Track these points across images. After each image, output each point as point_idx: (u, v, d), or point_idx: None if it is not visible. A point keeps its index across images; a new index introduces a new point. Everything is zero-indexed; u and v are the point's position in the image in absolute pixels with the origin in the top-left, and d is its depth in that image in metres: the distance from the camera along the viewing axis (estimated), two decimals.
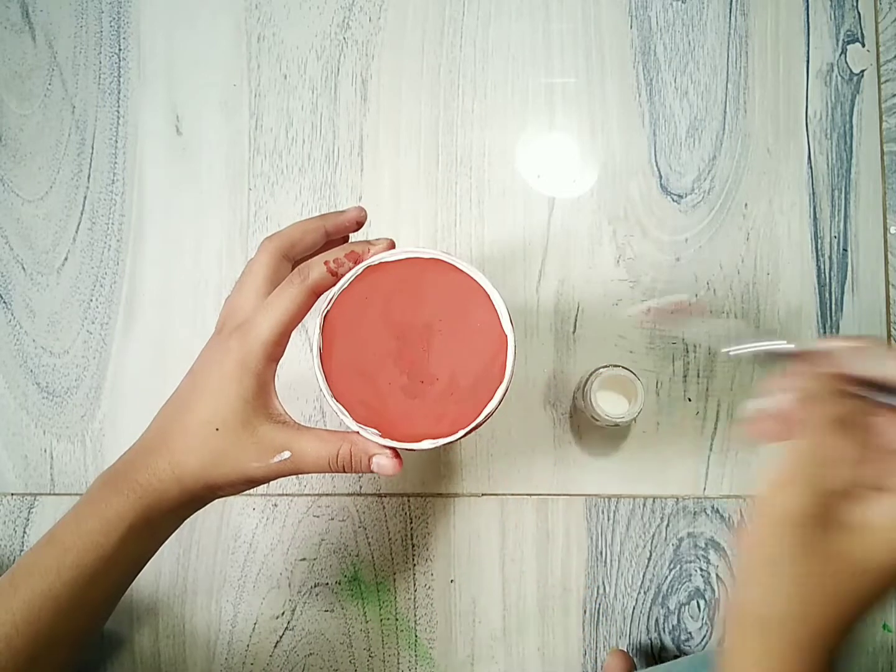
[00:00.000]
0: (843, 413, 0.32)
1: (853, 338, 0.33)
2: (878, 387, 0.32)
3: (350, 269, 0.41)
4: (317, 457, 0.40)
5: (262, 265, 0.42)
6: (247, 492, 0.49)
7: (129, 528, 0.38)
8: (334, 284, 0.41)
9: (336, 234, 0.45)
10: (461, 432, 0.39)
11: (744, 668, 0.33)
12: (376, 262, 0.41)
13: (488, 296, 0.41)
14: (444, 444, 0.39)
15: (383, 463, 0.40)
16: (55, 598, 0.37)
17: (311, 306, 0.41)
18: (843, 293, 0.60)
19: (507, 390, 0.40)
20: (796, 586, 0.32)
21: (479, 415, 0.39)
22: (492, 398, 0.39)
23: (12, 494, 0.59)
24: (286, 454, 0.40)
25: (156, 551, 0.41)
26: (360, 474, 0.58)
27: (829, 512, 0.31)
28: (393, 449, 0.40)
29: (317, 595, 0.58)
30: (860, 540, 0.31)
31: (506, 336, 0.40)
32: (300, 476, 0.58)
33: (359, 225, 0.45)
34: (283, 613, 0.58)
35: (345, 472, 0.41)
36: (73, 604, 0.38)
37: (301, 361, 0.59)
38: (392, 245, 0.42)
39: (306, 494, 0.59)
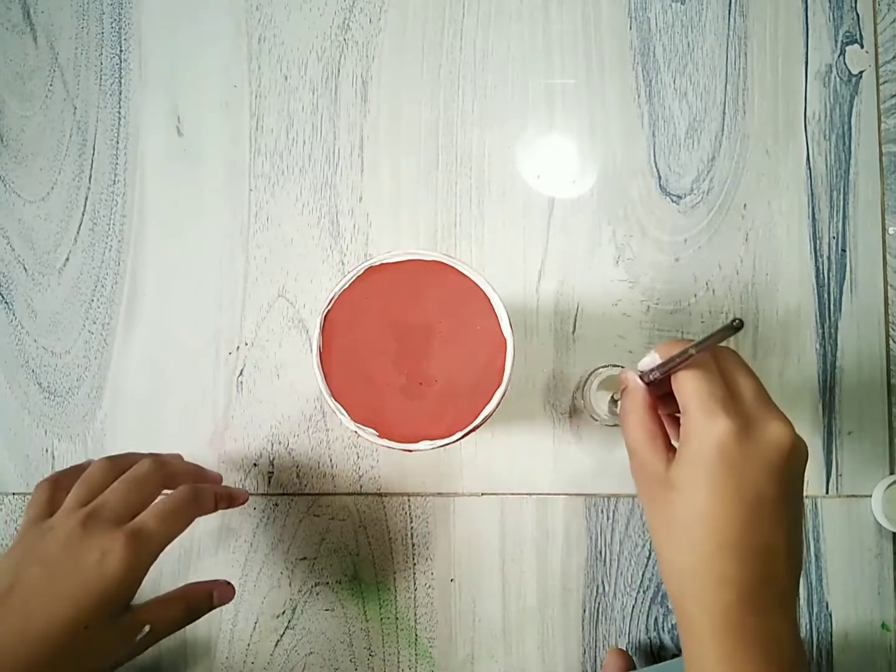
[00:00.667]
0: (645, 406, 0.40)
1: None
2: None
3: (224, 505, 0.49)
4: (169, 620, 0.43)
5: (149, 471, 0.45)
6: (247, 492, 0.50)
7: None
8: (210, 510, 0.47)
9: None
10: (459, 434, 0.39)
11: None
12: (377, 263, 0.41)
13: (488, 299, 0.41)
14: (442, 446, 0.40)
15: (223, 593, 0.48)
16: None
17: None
18: (841, 293, 0.60)
19: (505, 393, 0.40)
20: (655, 535, 0.39)
21: (477, 417, 0.40)
22: (490, 400, 0.40)
23: (13, 494, 0.59)
24: (147, 628, 0.41)
25: None
26: (352, 486, 0.58)
27: (652, 465, 0.38)
28: (225, 581, 0.48)
29: (317, 594, 0.58)
30: (673, 474, 0.37)
31: (505, 339, 0.40)
32: (300, 475, 0.59)
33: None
34: (283, 612, 0.58)
35: (199, 617, 0.45)
36: None
37: (301, 361, 0.59)
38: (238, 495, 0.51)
39: (307, 494, 0.59)
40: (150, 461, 0.46)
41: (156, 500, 0.44)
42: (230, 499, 0.50)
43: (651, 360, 0.40)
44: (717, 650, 0.34)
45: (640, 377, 0.41)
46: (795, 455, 0.37)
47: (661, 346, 0.40)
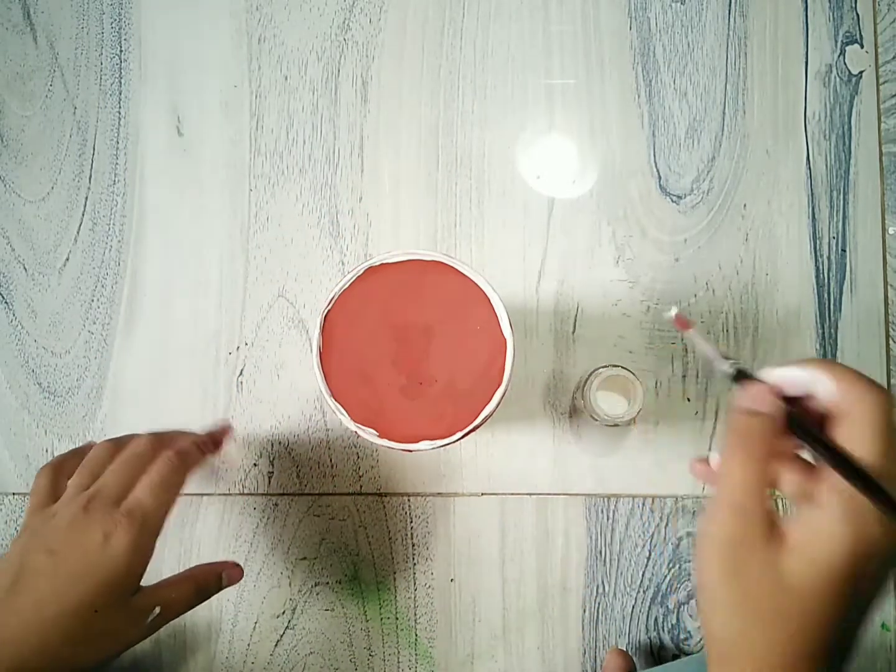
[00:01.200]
0: (769, 449, 0.32)
1: (799, 364, 0.33)
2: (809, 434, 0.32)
3: (211, 449, 0.48)
4: (181, 600, 0.43)
5: (145, 447, 0.45)
6: (246, 492, 0.50)
7: None
8: (201, 462, 0.46)
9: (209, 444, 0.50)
10: (459, 434, 0.39)
11: None
12: (377, 264, 0.41)
13: (488, 299, 0.41)
14: (442, 446, 0.40)
15: (232, 574, 0.47)
16: None
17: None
18: (841, 293, 0.60)
19: (505, 393, 0.40)
20: (731, 610, 0.31)
21: (477, 417, 0.40)
22: (490, 400, 0.39)
23: (14, 494, 0.59)
24: (157, 610, 0.41)
25: None
26: (352, 486, 0.58)
27: (756, 533, 0.31)
28: (233, 563, 0.47)
29: (317, 594, 0.58)
30: (785, 557, 0.30)
31: (505, 339, 0.40)
32: (300, 475, 0.59)
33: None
34: (283, 612, 0.58)
35: (208, 598, 0.45)
36: None
37: (301, 362, 0.59)
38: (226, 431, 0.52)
39: (307, 494, 0.59)
40: (147, 438, 0.45)
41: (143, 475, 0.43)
42: (213, 441, 0.49)
43: (815, 385, 0.31)
44: None
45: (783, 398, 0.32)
46: None
47: (846, 373, 0.31)
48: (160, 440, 0.45)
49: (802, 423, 0.31)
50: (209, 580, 0.46)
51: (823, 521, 0.30)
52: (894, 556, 0.29)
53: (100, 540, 0.39)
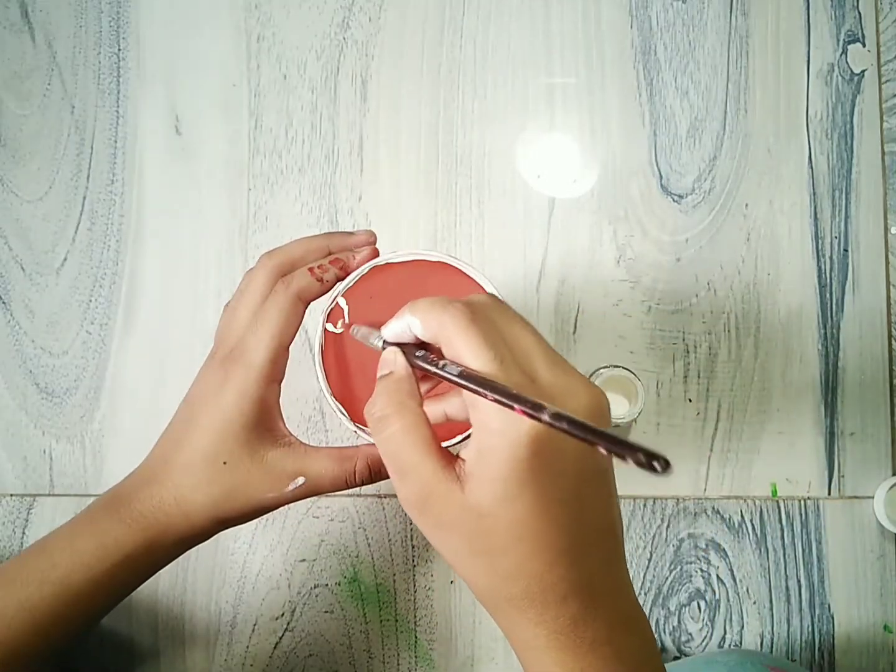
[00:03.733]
0: (416, 400, 0.32)
1: (396, 316, 0.34)
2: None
3: (335, 276, 0.40)
4: (333, 478, 0.39)
5: (258, 283, 0.40)
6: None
7: (125, 557, 0.37)
8: (321, 292, 0.40)
9: None
10: (459, 437, 0.39)
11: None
12: (382, 263, 0.41)
13: None
14: None
15: None
16: (31, 609, 0.36)
17: (302, 316, 0.40)
18: (843, 293, 0.60)
19: None
20: (458, 561, 0.32)
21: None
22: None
23: (11, 495, 0.59)
24: (301, 480, 0.39)
25: (148, 579, 0.40)
26: None
27: (436, 484, 0.30)
28: None
29: (316, 596, 0.58)
30: (470, 488, 0.30)
31: None
32: None
33: (365, 248, 0.43)
34: (282, 614, 0.58)
35: (363, 485, 0.40)
36: (49, 619, 0.37)
37: (301, 362, 0.59)
38: (374, 250, 0.41)
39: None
40: (261, 272, 0.40)
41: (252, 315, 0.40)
42: (340, 264, 0.41)
43: (409, 328, 0.33)
44: (569, 666, 0.31)
45: (406, 357, 0.33)
46: (602, 412, 0.31)
47: (421, 307, 0.32)
48: (279, 268, 0.40)
49: (421, 363, 0.32)
50: (377, 467, 0.40)
51: (486, 440, 0.29)
52: (558, 444, 0.29)
53: (215, 388, 0.38)
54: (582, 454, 0.30)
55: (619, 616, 0.32)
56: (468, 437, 0.39)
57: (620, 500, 0.58)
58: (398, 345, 0.34)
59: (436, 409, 0.36)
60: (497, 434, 0.29)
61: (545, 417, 0.26)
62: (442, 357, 0.31)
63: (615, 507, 0.33)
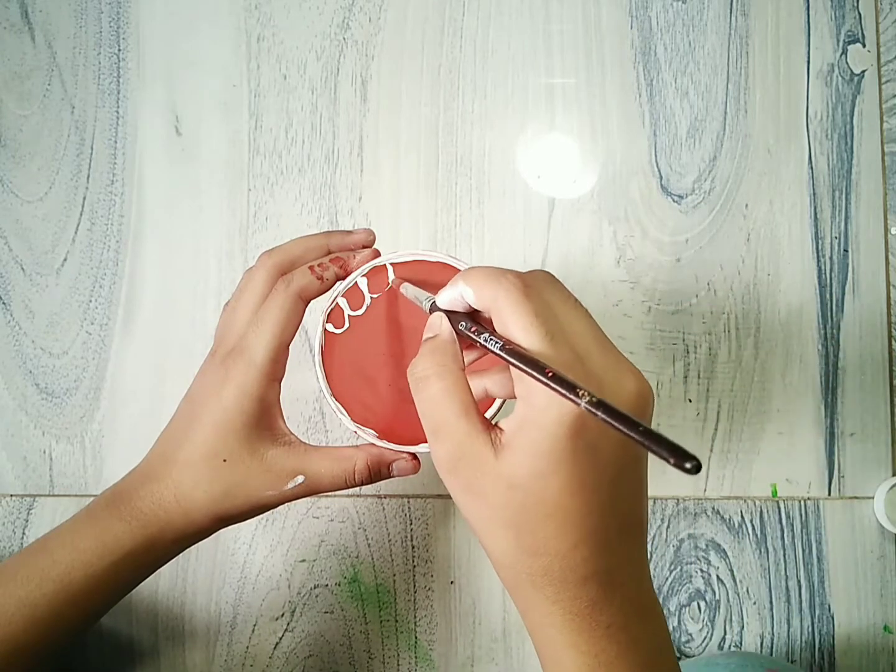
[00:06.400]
0: (458, 365, 0.32)
1: (450, 283, 0.33)
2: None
3: (335, 274, 0.40)
4: (333, 477, 0.39)
5: (258, 282, 0.40)
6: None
7: (126, 554, 0.38)
8: (321, 290, 0.40)
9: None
10: (496, 405, 0.39)
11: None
12: (382, 264, 0.40)
13: None
14: None
15: (403, 466, 0.40)
16: (31, 607, 0.37)
17: (302, 315, 0.40)
18: (843, 294, 0.60)
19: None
20: (484, 527, 0.31)
21: (485, 413, 0.39)
22: (491, 404, 0.39)
23: (11, 496, 0.59)
24: (300, 479, 0.39)
25: (147, 577, 0.40)
26: None
27: (472, 446, 0.30)
28: (412, 454, 0.40)
29: (316, 597, 0.58)
30: (506, 457, 0.30)
31: None
32: None
33: (365, 248, 0.43)
34: (282, 615, 0.58)
35: (363, 485, 0.40)
36: (49, 617, 0.37)
37: (301, 362, 0.59)
38: (375, 250, 0.42)
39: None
40: (261, 270, 0.40)
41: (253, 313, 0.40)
42: (340, 262, 0.41)
43: (461, 296, 0.32)
44: (583, 649, 0.31)
45: (452, 324, 0.33)
46: (647, 402, 0.31)
47: (475, 276, 0.32)
48: (278, 267, 0.41)
49: (466, 332, 0.32)
50: (379, 463, 0.40)
51: (529, 413, 0.29)
52: (601, 428, 0.28)
53: (216, 386, 0.38)
54: (622, 442, 0.30)
55: (637, 605, 0.32)
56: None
57: None
58: (446, 312, 0.34)
59: (477, 384, 0.35)
60: (540, 409, 0.28)
61: (583, 404, 0.26)
62: (492, 327, 0.31)
63: (644, 500, 0.32)
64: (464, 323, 0.33)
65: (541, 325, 0.29)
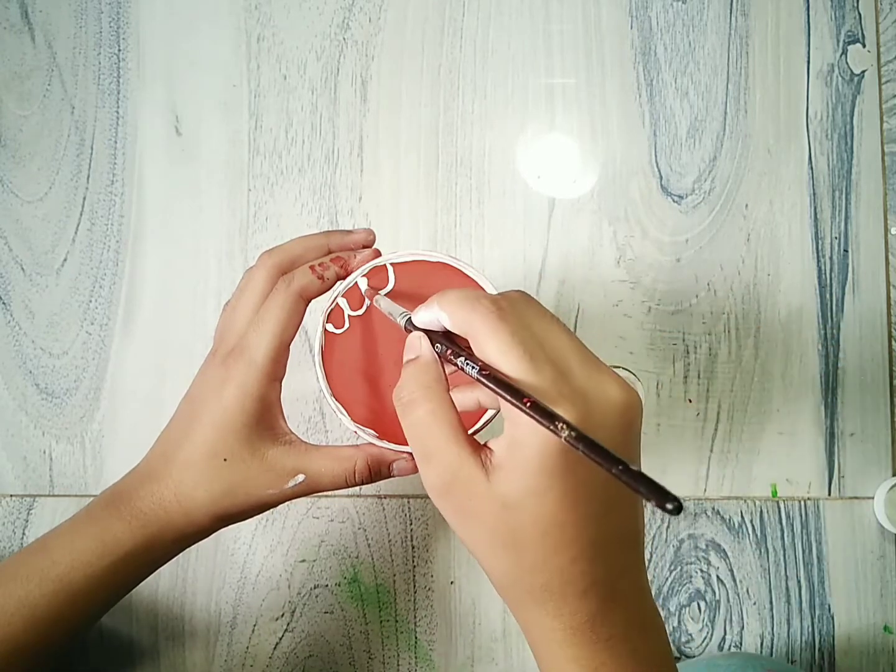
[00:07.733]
0: (441, 386, 0.32)
1: (426, 304, 0.33)
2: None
3: (336, 274, 0.40)
4: (333, 477, 0.39)
5: (258, 281, 0.40)
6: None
7: (125, 554, 0.37)
8: (322, 290, 0.40)
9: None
10: (483, 420, 0.39)
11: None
12: (382, 264, 0.40)
13: None
14: None
15: (403, 466, 0.40)
16: (31, 606, 0.37)
17: (303, 314, 0.40)
18: (843, 294, 0.60)
19: None
20: (481, 549, 0.31)
21: (478, 421, 0.39)
22: (483, 414, 0.39)
23: (11, 496, 0.59)
24: (300, 478, 0.39)
25: (147, 577, 0.40)
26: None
27: (462, 470, 0.30)
28: (411, 454, 0.40)
29: (316, 597, 0.58)
30: (498, 478, 0.29)
31: None
32: None
33: (365, 248, 0.42)
34: (282, 615, 0.58)
35: (363, 484, 0.40)
36: (49, 617, 0.37)
37: (301, 362, 0.59)
38: (375, 250, 0.41)
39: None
40: (261, 270, 0.40)
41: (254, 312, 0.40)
42: (341, 262, 0.41)
43: (438, 319, 0.32)
44: (583, 663, 0.31)
45: (433, 344, 0.33)
46: (635, 411, 0.31)
47: (449, 301, 0.32)
48: (279, 267, 0.41)
49: (443, 355, 0.32)
50: (379, 462, 0.40)
51: (518, 433, 0.29)
52: (588, 442, 0.26)
53: (216, 385, 0.38)
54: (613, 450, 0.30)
55: (637, 617, 0.32)
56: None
57: None
58: (424, 330, 0.34)
59: (468, 398, 0.35)
60: (528, 428, 0.28)
61: (563, 437, 0.25)
62: (470, 349, 0.31)
63: (640, 512, 0.32)
64: (439, 345, 0.32)
65: (518, 345, 0.29)
